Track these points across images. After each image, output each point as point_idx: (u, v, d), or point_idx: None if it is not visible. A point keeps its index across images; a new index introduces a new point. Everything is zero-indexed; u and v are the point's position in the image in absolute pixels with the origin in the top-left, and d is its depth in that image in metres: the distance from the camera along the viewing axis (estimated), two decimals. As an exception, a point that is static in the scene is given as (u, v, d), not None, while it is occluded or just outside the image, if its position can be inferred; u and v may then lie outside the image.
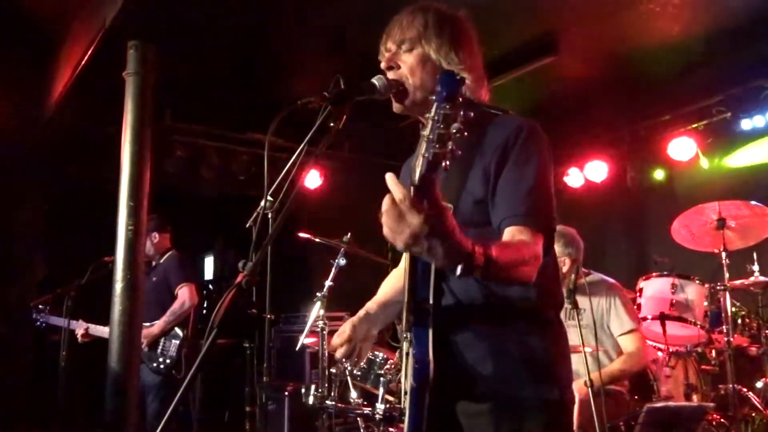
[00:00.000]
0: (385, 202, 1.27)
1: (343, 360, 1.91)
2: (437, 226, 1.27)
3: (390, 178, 1.28)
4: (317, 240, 4.20)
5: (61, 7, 4.56)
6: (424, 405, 1.49)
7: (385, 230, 1.28)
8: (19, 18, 4.69)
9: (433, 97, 1.24)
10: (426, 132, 1.25)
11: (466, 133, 1.21)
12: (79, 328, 4.72)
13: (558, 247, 3.61)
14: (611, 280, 3.80)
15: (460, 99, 1.23)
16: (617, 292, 3.68)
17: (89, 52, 4.15)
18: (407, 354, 1.59)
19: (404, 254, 1.92)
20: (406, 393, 1.58)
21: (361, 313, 1.95)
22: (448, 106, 1.21)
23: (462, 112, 1.22)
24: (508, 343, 1.61)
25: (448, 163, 1.23)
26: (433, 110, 1.23)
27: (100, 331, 4.65)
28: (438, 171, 1.24)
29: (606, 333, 3.63)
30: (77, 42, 4.55)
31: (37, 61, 5.28)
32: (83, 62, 4.28)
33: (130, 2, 3.54)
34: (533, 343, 1.62)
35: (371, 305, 1.99)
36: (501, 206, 1.59)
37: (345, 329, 1.88)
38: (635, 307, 4.06)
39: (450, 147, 1.22)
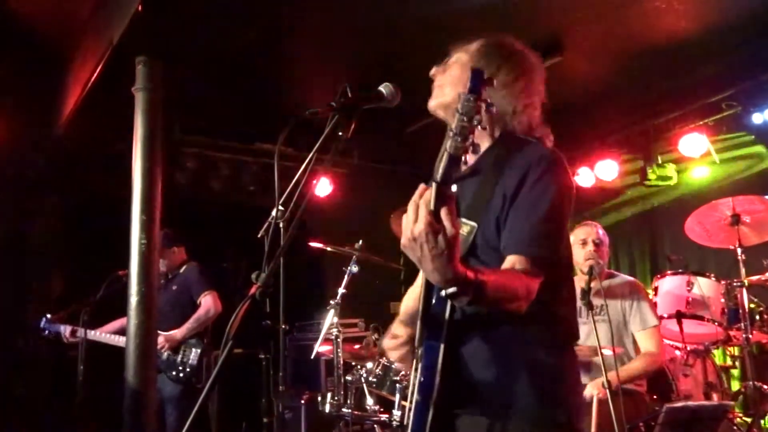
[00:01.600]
0: (409, 215, 1.29)
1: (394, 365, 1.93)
2: (443, 252, 1.28)
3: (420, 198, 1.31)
4: (329, 248, 4.21)
5: (70, 25, 4.62)
6: (427, 420, 1.48)
7: (403, 242, 1.31)
8: (28, 36, 4.75)
9: (461, 93, 1.30)
10: (451, 125, 1.30)
11: (486, 128, 1.22)
12: (66, 330, 4.75)
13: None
14: (635, 281, 3.76)
15: (485, 96, 1.28)
16: (641, 292, 3.65)
17: (98, 68, 4.19)
18: (416, 368, 1.59)
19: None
20: (410, 409, 1.57)
21: (403, 317, 1.97)
22: (472, 98, 1.26)
23: (485, 106, 1.28)
24: (518, 365, 1.59)
25: (468, 156, 1.27)
26: (459, 103, 1.28)
27: (106, 338, 4.68)
28: (459, 166, 1.29)
29: (626, 333, 3.59)
30: (86, 59, 4.60)
31: (48, 78, 5.35)
32: (93, 79, 4.32)
33: (137, 19, 3.57)
34: (544, 362, 1.61)
35: (404, 318, 1.98)
36: (508, 232, 1.58)
37: (397, 330, 1.90)
38: (654, 303, 4.03)
39: (471, 141, 1.26)
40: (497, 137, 1.73)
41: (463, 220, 1.61)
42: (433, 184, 1.27)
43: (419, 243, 1.27)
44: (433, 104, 1.78)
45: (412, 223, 1.27)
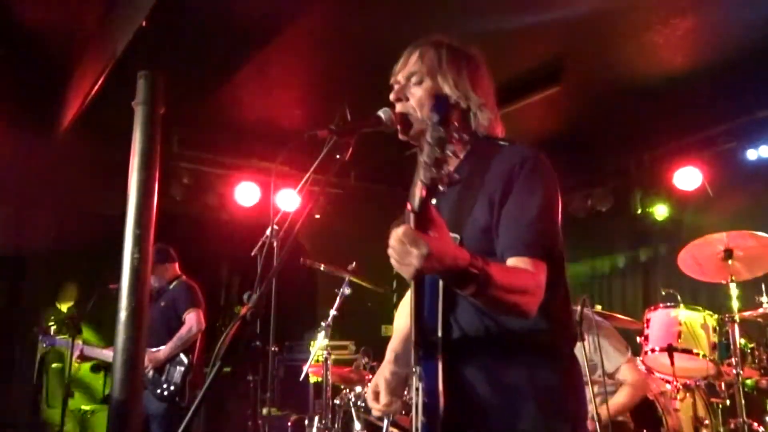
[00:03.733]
0: (391, 238, 1.29)
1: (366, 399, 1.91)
2: (437, 250, 1.29)
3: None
4: (322, 267, 4.20)
5: (75, 36, 4.65)
6: None
7: (393, 263, 1.31)
8: (32, 46, 4.78)
9: (429, 122, 1.28)
10: (423, 156, 1.27)
11: (461, 156, 1.22)
12: (76, 349, 4.72)
13: None
14: (590, 315, 3.71)
15: (454, 123, 1.27)
16: (597, 329, 3.60)
17: (100, 81, 4.21)
18: (417, 389, 1.58)
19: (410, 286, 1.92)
20: (416, 430, 1.55)
21: (390, 357, 1.93)
22: (442, 129, 1.24)
23: (456, 134, 1.27)
24: (519, 378, 1.57)
25: (445, 187, 1.25)
26: (428, 134, 1.26)
27: (97, 352, 4.65)
28: (436, 194, 1.27)
29: (598, 368, 3.57)
30: (89, 71, 4.62)
31: (49, 90, 5.37)
32: (93, 91, 4.34)
33: (141, 34, 3.59)
34: (545, 377, 1.58)
35: (396, 345, 1.95)
36: (504, 236, 1.57)
37: (380, 388, 1.87)
38: (643, 338, 4.02)
39: (446, 170, 1.24)
40: (472, 145, 1.73)
41: None
42: (411, 216, 1.28)
43: (405, 244, 1.27)
44: (412, 135, 1.73)
45: (413, 259, 1.27)
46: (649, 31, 4.30)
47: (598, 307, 4.12)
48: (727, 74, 4.78)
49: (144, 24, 3.56)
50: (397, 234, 1.27)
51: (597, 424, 2.88)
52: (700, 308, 4.03)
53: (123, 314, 2.96)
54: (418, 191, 1.27)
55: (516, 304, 1.47)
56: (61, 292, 6.23)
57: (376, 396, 1.88)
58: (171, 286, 4.92)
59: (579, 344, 3.28)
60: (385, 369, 1.91)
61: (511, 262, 1.54)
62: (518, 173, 1.60)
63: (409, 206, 1.33)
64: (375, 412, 1.89)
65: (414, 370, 1.57)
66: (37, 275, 5.71)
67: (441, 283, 1.57)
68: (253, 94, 5.29)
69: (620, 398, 3.47)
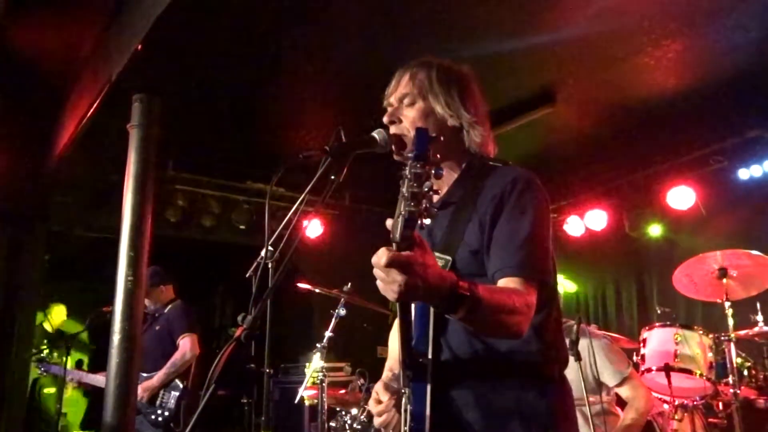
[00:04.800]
0: (374, 261, 1.28)
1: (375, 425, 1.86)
2: (420, 278, 1.27)
3: (388, 224, 1.32)
4: (317, 290, 4.18)
5: (70, 60, 4.67)
6: None
7: (379, 285, 1.29)
8: (28, 70, 4.79)
9: (409, 155, 1.25)
10: (403, 189, 1.25)
11: (439, 192, 1.20)
12: (74, 375, 4.67)
13: None
14: (589, 328, 3.72)
15: (431, 156, 1.23)
16: (597, 341, 3.61)
17: (95, 104, 4.22)
18: (405, 410, 1.56)
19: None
20: None
21: (388, 374, 1.91)
22: (419, 165, 1.22)
23: (434, 171, 1.23)
24: (508, 401, 1.56)
25: (425, 220, 1.22)
26: (407, 169, 1.24)
27: (92, 379, 4.60)
28: (415, 227, 1.25)
29: (601, 385, 3.56)
30: (84, 94, 4.63)
31: (44, 112, 5.37)
32: (89, 114, 4.35)
33: (137, 57, 3.62)
34: (534, 402, 1.57)
35: (393, 364, 1.93)
36: (495, 258, 1.57)
37: (379, 391, 1.81)
38: (639, 357, 4.00)
39: (425, 205, 1.22)
40: (465, 166, 1.74)
41: (437, 254, 1.58)
42: (393, 245, 1.27)
43: (408, 294, 1.26)
44: (406, 155, 1.74)
45: (394, 283, 1.26)
46: (640, 54, 4.36)
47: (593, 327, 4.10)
48: (718, 95, 4.84)
49: (140, 47, 3.58)
50: (379, 257, 1.26)
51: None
52: (696, 327, 4.03)
53: (116, 338, 2.93)
54: (399, 224, 1.26)
55: (506, 324, 1.45)
56: (49, 311, 6.18)
57: (378, 402, 1.82)
58: (167, 309, 4.89)
59: (576, 365, 3.27)
60: (384, 379, 1.87)
61: (502, 282, 1.53)
62: (509, 194, 1.60)
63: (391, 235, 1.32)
64: (378, 421, 1.85)
65: (404, 391, 1.56)
66: (29, 299, 5.66)
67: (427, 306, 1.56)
68: (249, 116, 5.31)
69: (627, 418, 3.43)
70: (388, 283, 1.26)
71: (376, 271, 1.28)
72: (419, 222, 1.23)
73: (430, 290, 1.29)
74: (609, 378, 3.51)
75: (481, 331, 1.52)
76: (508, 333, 1.48)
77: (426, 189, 1.21)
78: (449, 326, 1.60)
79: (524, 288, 1.51)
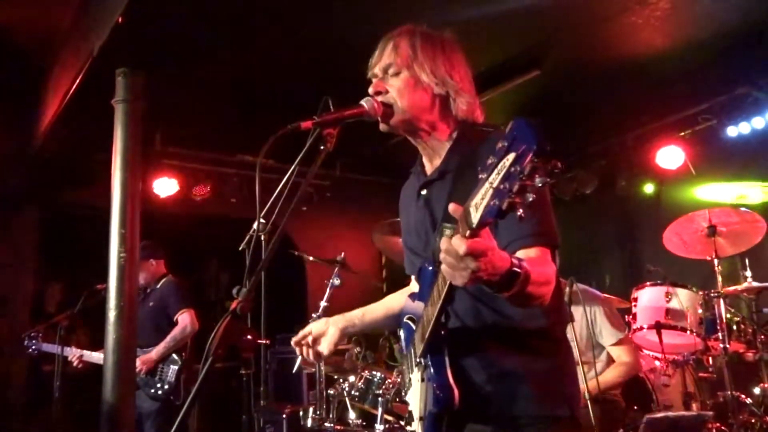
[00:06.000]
0: (447, 248, 1.25)
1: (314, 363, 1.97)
2: (489, 262, 1.26)
3: (454, 209, 1.27)
4: (311, 258, 4.19)
5: (50, 36, 4.58)
6: (441, 430, 1.51)
7: (444, 270, 1.28)
8: (6, 48, 4.71)
9: (505, 143, 1.16)
10: (496, 179, 1.16)
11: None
12: (73, 355, 4.68)
13: None
14: (590, 290, 3.79)
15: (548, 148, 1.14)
16: (598, 303, 3.68)
17: (78, 80, 4.16)
18: (422, 380, 1.59)
19: (413, 280, 1.94)
20: (422, 418, 1.58)
21: (359, 314, 2.03)
22: (537, 160, 1.12)
23: (551, 165, 1.14)
24: (517, 363, 1.60)
25: (522, 211, 1.16)
26: (510, 159, 1.14)
27: (95, 357, 4.61)
28: (504, 217, 1.18)
29: (595, 345, 3.64)
30: (66, 71, 4.56)
31: (26, 90, 5.29)
32: (72, 91, 4.29)
33: (118, 31, 3.55)
34: (542, 362, 1.62)
35: (353, 312, 2.04)
36: (507, 228, 1.56)
37: (326, 335, 1.97)
38: (631, 316, 4.07)
39: (531, 198, 1.14)
40: (456, 134, 1.75)
41: (444, 224, 1.58)
42: (466, 231, 1.23)
43: (460, 254, 1.23)
44: (393, 125, 1.74)
45: (466, 270, 1.25)
46: (627, 12, 4.32)
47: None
48: (705, 53, 4.82)
49: (120, 20, 3.51)
50: (457, 246, 1.23)
51: (588, 401, 2.91)
52: (686, 285, 4.08)
53: (112, 314, 2.95)
54: (479, 210, 1.19)
55: (542, 295, 1.47)
56: (46, 293, 6.18)
57: (316, 340, 1.96)
58: (159, 285, 4.89)
59: (569, 326, 3.32)
60: (341, 322, 1.99)
61: (522, 253, 1.53)
62: None
63: (457, 213, 1.27)
64: (304, 355, 1.97)
65: (419, 361, 1.59)
66: (18, 278, 5.64)
67: (440, 275, 1.57)
68: (235, 88, 5.25)
69: (611, 373, 3.53)
70: (459, 270, 1.25)
71: (445, 257, 1.26)
72: (516, 213, 1.16)
73: (495, 274, 1.29)
74: (607, 336, 3.58)
75: (519, 304, 1.51)
76: (540, 303, 1.49)
77: (539, 183, 1.13)
78: (457, 293, 1.62)
79: (546, 257, 1.54)
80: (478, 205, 1.20)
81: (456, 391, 1.49)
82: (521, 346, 1.62)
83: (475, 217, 1.20)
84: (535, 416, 1.58)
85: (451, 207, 1.28)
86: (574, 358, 1.77)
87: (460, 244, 1.22)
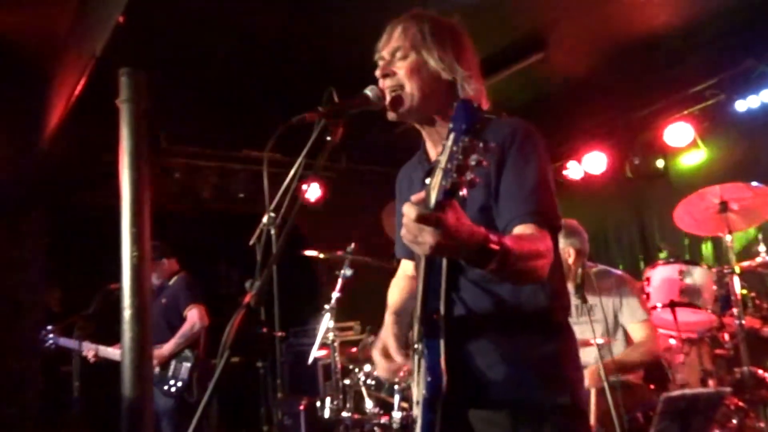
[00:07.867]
0: (405, 216, 1.26)
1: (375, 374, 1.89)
2: (451, 237, 1.26)
3: (414, 198, 1.29)
4: (321, 255, 4.19)
5: (50, 39, 4.58)
6: (436, 415, 1.49)
7: (405, 240, 1.29)
8: (7, 52, 4.71)
9: (450, 126, 1.23)
10: (443, 160, 1.23)
11: (485, 163, 1.20)
12: (88, 350, 4.71)
13: (560, 239, 3.60)
14: (618, 272, 3.79)
15: (478, 127, 1.22)
16: (627, 284, 3.67)
17: (82, 82, 4.16)
18: (419, 364, 1.59)
19: (414, 264, 1.93)
20: (417, 402, 1.57)
21: (391, 319, 1.93)
22: (467, 138, 1.21)
23: (482, 144, 1.21)
24: (520, 349, 1.61)
25: (466, 191, 1.22)
26: (450, 140, 1.22)
27: (110, 353, 4.64)
28: (455, 197, 1.24)
29: (618, 328, 3.62)
30: (69, 73, 4.56)
31: (30, 94, 5.29)
32: (76, 92, 4.30)
33: (119, 31, 3.55)
34: (544, 348, 1.62)
35: (391, 317, 1.95)
36: (506, 209, 1.59)
37: (390, 345, 1.82)
38: (645, 296, 4.05)
39: (469, 177, 1.21)
40: None
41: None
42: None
43: (420, 221, 1.24)
44: (401, 112, 1.73)
45: (425, 242, 1.25)
46: (630, -11, 4.27)
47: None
48: (711, 28, 4.76)
49: (121, 20, 3.51)
50: (410, 212, 1.24)
51: (605, 381, 2.90)
52: (699, 262, 4.06)
53: (127, 313, 2.96)
54: (435, 192, 1.25)
55: (534, 268, 1.48)
56: (47, 293, 6.21)
57: (387, 354, 1.83)
58: (171, 282, 4.93)
59: (598, 302, 3.32)
60: (390, 329, 1.89)
61: (517, 230, 1.55)
62: (510, 146, 1.62)
63: (419, 198, 1.30)
64: (383, 372, 1.86)
65: (416, 346, 1.59)
66: (31, 282, 5.68)
67: (444, 260, 1.57)
68: (239, 83, 5.24)
69: (630, 353, 3.49)
70: (419, 240, 1.26)
71: (406, 223, 1.26)
72: (460, 194, 1.22)
73: (459, 247, 1.30)
74: (629, 316, 3.55)
75: (511, 279, 1.54)
76: (534, 277, 1.51)
77: (473, 162, 1.20)
78: (462, 281, 1.63)
79: (540, 233, 1.54)
80: (435, 186, 1.26)
81: (445, 377, 1.48)
82: (524, 331, 1.63)
83: (433, 197, 1.26)
84: (536, 403, 1.58)
85: (414, 197, 1.30)
86: (577, 344, 1.76)
87: (411, 210, 1.24)
